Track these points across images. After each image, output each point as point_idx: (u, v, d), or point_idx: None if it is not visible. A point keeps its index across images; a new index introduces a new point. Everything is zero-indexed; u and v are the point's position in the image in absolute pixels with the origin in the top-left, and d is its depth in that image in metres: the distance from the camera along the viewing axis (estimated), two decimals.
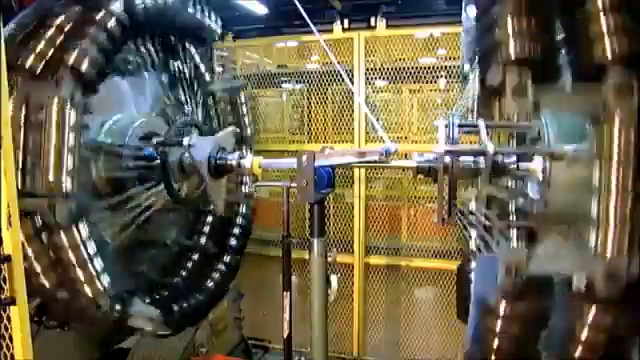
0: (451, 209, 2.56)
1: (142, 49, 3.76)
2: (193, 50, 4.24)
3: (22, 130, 2.69)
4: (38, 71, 2.78)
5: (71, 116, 2.76)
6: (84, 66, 2.84)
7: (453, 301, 4.41)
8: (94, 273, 2.86)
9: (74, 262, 2.80)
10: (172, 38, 4.05)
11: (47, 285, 2.80)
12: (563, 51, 2.21)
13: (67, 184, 2.74)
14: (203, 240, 4.44)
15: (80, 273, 2.83)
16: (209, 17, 4.20)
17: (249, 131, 4.73)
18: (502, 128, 2.69)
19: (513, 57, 2.15)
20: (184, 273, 4.24)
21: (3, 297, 1.91)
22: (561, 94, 2.19)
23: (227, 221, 4.53)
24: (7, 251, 1.91)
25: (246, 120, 4.66)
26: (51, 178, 2.69)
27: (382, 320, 5.61)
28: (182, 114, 4.13)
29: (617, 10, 1.82)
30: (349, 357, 5.61)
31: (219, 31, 4.41)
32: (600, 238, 1.79)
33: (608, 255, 1.76)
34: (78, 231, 2.80)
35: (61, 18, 2.90)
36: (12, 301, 1.92)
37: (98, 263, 2.89)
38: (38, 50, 2.81)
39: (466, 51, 3.54)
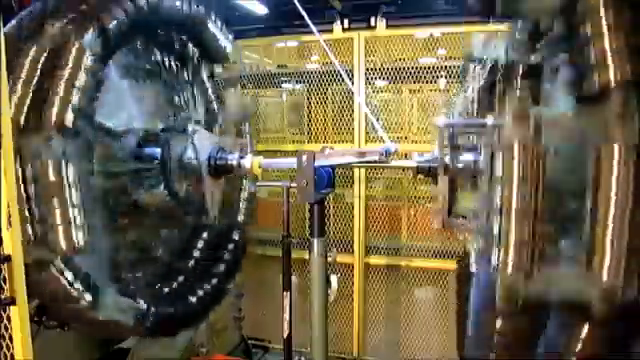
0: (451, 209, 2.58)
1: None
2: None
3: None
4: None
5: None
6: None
7: (453, 301, 4.40)
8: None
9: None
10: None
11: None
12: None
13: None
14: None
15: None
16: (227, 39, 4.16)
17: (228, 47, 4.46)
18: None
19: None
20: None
21: (3, 297, 1.91)
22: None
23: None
24: (7, 251, 1.91)
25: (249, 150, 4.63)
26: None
27: (382, 320, 5.62)
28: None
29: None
30: (349, 357, 5.61)
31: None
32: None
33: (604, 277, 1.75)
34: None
35: None
36: (12, 301, 1.92)
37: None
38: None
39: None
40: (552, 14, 2.00)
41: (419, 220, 5.43)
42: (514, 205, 1.88)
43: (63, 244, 2.60)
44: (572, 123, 1.92)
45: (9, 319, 1.94)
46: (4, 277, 1.91)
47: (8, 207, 1.90)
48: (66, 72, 2.67)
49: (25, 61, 2.67)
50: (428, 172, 3.04)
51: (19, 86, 2.63)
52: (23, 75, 2.65)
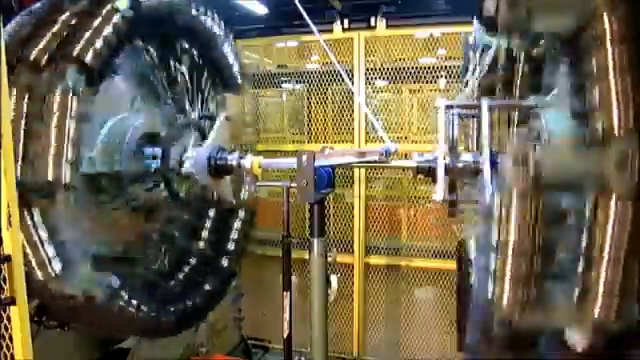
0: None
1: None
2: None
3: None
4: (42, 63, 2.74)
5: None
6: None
7: (453, 301, 4.41)
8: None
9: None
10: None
11: None
12: None
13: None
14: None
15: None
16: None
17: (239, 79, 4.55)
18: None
19: None
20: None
21: (3, 297, 1.91)
22: None
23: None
24: (7, 251, 1.91)
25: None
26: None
27: (382, 320, 5.62)
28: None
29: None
30: (349, 357, 5.61)
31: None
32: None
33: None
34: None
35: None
36: (12, 301, 1.92)
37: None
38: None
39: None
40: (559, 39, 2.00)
41: (419, 220, 5.43)
42: (510, 246, 1.88)
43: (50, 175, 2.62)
44: (571, 164, 1.91)
45: (9, 319, 1.94)
46: (4, 277, 1.91)
47: (8, 207, 1.90)
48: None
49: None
50: (428, 172, 3.04)
51: None
52: None
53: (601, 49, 1.74)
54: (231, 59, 4.20)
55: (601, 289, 1.72)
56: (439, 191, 2.69)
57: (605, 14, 1.74)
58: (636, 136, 1.68)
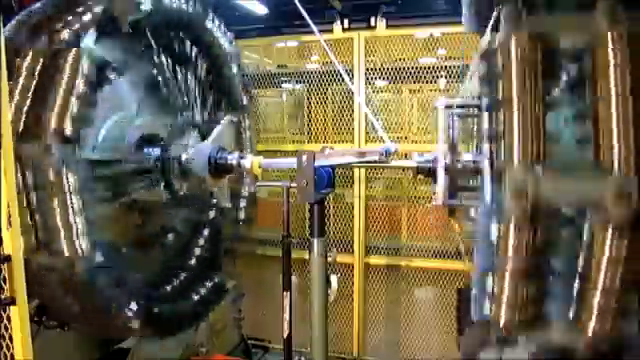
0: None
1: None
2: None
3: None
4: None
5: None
6: None
7: (453, 301, 4.41)
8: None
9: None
10: None
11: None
12: None
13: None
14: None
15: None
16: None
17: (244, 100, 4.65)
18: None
19: None
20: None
21: (3, 297, 1.91)
22: None
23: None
24: (7, 251, 1.91)
25: (248, 144, 4.64)
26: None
27: (382, 320, 5.61)
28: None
29: None
30: (349, 357, 5.61)
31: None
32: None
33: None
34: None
35: None
36: (12, 301, 1.92)
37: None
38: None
39: None
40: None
41: (419, 220, 5.42)
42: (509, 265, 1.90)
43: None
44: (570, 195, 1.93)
45: (9, 319, 1.94)
46: (4, 277, 1.91)
47: (8, 207, 1.90)
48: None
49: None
50: (428, 172, 3.04)
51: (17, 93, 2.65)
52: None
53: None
54: (237, 80, 4.31)
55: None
56: (439, 194, 2.69)
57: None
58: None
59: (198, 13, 3.75)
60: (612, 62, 1.77)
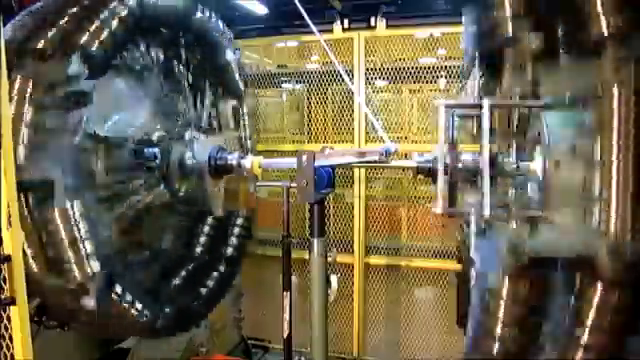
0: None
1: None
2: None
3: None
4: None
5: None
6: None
7: (453, 301, 4.41)
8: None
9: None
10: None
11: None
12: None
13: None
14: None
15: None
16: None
17: (249, 144, 4.71)
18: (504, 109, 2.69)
19: None
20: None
21: (3, 297, 1.91)
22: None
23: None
24: (7, 251, 1.91)
25: (247, 132, 4.66)
26: None
27: (382, 320, 5.61)
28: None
29: None
30: (349, 357, 5.60)
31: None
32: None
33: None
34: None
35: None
36: (12, 301, 1.92)
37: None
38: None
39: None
40: None
41: (419, 220, 5.42)
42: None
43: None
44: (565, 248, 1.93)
45: (9, 319, 1.94)
46: (4, 277, 1.91)
47: (8, 207, 1.90)
48: None
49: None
50: (428, 172, 3.03)
51: None
52: None
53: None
54: (233, 67, 4.29)
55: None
56: (439, 201, 2.69)
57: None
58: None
59: (186, 5, 3.72)
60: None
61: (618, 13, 1.75)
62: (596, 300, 1.76)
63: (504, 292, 1.95)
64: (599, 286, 1.75)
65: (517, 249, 1.88)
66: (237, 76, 4.40)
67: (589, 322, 1.77)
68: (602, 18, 1.76)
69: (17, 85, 2.64)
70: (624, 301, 1.75)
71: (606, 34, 1.76)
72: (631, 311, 1.78)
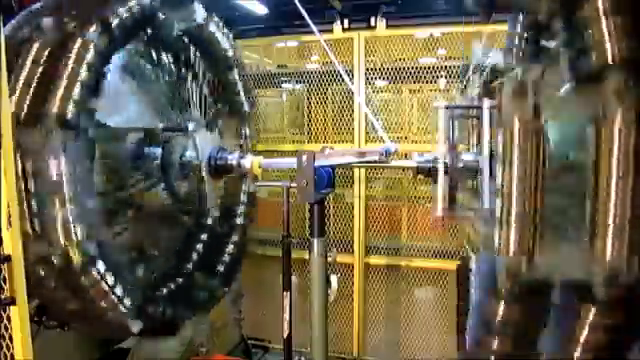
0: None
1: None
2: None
3: None
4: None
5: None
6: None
7: (453, 301, 4.41)
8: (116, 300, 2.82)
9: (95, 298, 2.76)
10: None
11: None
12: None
13: None
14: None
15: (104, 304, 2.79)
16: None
17: (249, 143, 4.59)
18: None
19: None
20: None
21: (3, 297, 1.91)
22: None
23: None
24: (7, 251, 1.91)
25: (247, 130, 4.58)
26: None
27: (382, 320, 5.61)
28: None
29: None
30: (349, 357, 5.61)
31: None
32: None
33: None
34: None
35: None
36: (12, 301, 1.91)
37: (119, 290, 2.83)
38: None
39: None
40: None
41: (419, 220, 5.42)
42: (514, 184, 1.89)
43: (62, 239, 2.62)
44: (571, 101, 1.92)
45: (9, 319, 1.94)
46: (4, 277, 1.91)
47: (8, 207, 1.90)
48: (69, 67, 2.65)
49: (27, 58, 2.66)
50: (428, 172, 3.04)
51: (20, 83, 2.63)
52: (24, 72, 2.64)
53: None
54: (239, 85, 4.26)
55: (611, 228, 1.70)
56: (439, 203, 2.70)
57: None
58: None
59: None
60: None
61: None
62: (589, 324, 1.76)
63: (500, 315, 1.96)
64: (593, 310, 1.76)
65: (514, 272, 1.89)
66: (242, 95, 4.33)
67: (582, 344, 1.78)
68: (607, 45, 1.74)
69: None
70: (618, 325, 1.76)
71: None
72: (624, 335, 1.79)
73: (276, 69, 5.93)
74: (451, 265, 5.04)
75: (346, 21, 5.39)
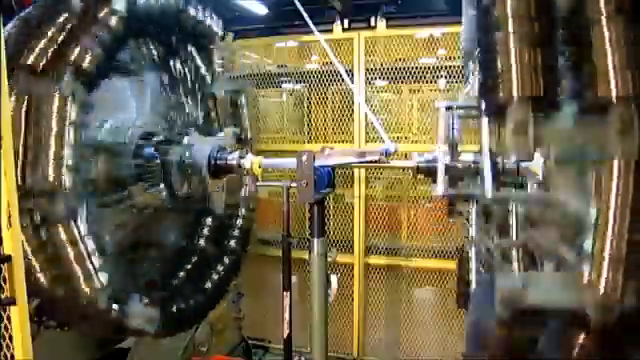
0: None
1: (143, 49, 3.78)
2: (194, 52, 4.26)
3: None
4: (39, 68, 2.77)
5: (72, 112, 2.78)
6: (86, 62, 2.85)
7: (453, 301, 4.41)
8: (92, 270, 2.84)
9: (72, 258, 2.78)
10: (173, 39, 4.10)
11: (45, 283, 2.78)
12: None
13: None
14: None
15: (78, 270, 2.81)
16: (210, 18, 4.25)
17: (249, 134, 4.72)
18: None
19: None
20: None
21: (3, 297, 1.91)
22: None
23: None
24: (7, 251, 1.91)
25: (247, 123, 4.66)
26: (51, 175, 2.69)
27: (382, 320, 5.61)
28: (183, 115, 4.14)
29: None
30: (349, 357, 5.60)
31: (220, 33, 4.42)
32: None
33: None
34: (77, 227, 2.79)
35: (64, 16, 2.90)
36: (12, 301, 1.92)
37: (96, 260, 2.87)
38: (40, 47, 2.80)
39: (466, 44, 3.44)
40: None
41: (419, 220, 5.42)
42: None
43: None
44: (573, 135, 1.91)
45: (9, 319, 1.94)
46: (4, 277, 1.91)
47: (8, 207, 1.90)
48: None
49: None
50: (428, 172, 3.04)
51: None
52: None
53: None
54: (245, 114, 4.45)
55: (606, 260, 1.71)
56: (439, 185, 2.70)
57: None
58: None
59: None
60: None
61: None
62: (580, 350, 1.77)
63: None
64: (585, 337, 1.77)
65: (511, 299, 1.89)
66: (247, 123, 4.56)
67: None
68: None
69: None
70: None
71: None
72: None
73: (276, 69, 5.92)
74: (451, 265, 5.03)
75: (346, 21, 5.38)
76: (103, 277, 2.88)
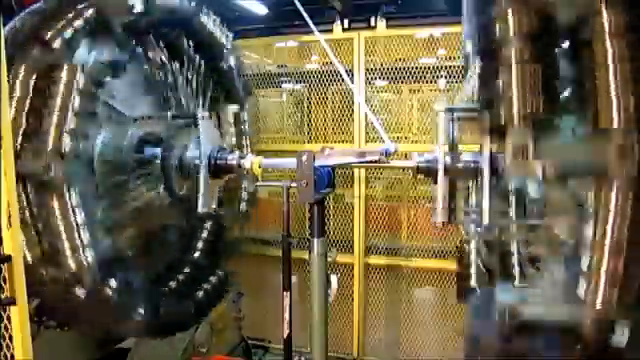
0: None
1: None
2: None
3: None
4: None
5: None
6: None
7: (453, 301, 4.41)
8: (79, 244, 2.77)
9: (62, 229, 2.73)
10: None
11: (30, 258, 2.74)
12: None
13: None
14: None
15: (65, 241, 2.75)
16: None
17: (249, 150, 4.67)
18: None
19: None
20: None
21: (3, 297, 1.91)
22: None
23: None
24: (7, 251, 1.91)
25: (247, 141, 4.66)
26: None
27: (382, 320, 5.61)
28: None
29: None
30: (349, 357, 5.60)
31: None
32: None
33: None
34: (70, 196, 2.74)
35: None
36: (12, 301, 1.92)
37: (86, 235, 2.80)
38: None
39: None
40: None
41: (419, 220, 5.42)
42: None
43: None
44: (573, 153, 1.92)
45: (9, 319, 1.94)
46: (4, 277, 1.91)
47: (8, 207, 1.90)
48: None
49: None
50: (428, 172, 3.04)
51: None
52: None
53: None
54: (235, 73, 4.33)
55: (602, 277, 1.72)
56: (439, 209, 2.70)
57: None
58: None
59: (191, 8, 3.77)
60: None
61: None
62: None
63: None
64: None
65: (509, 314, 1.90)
66: (238, 82, 4.43)
67: None
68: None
69: None
70: None
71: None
72: None
73: (276, 69, 5.92)
74: (451, 265, 5.04)
75: (346, 21, 5.38)
76: (90, 254, 2.79)
